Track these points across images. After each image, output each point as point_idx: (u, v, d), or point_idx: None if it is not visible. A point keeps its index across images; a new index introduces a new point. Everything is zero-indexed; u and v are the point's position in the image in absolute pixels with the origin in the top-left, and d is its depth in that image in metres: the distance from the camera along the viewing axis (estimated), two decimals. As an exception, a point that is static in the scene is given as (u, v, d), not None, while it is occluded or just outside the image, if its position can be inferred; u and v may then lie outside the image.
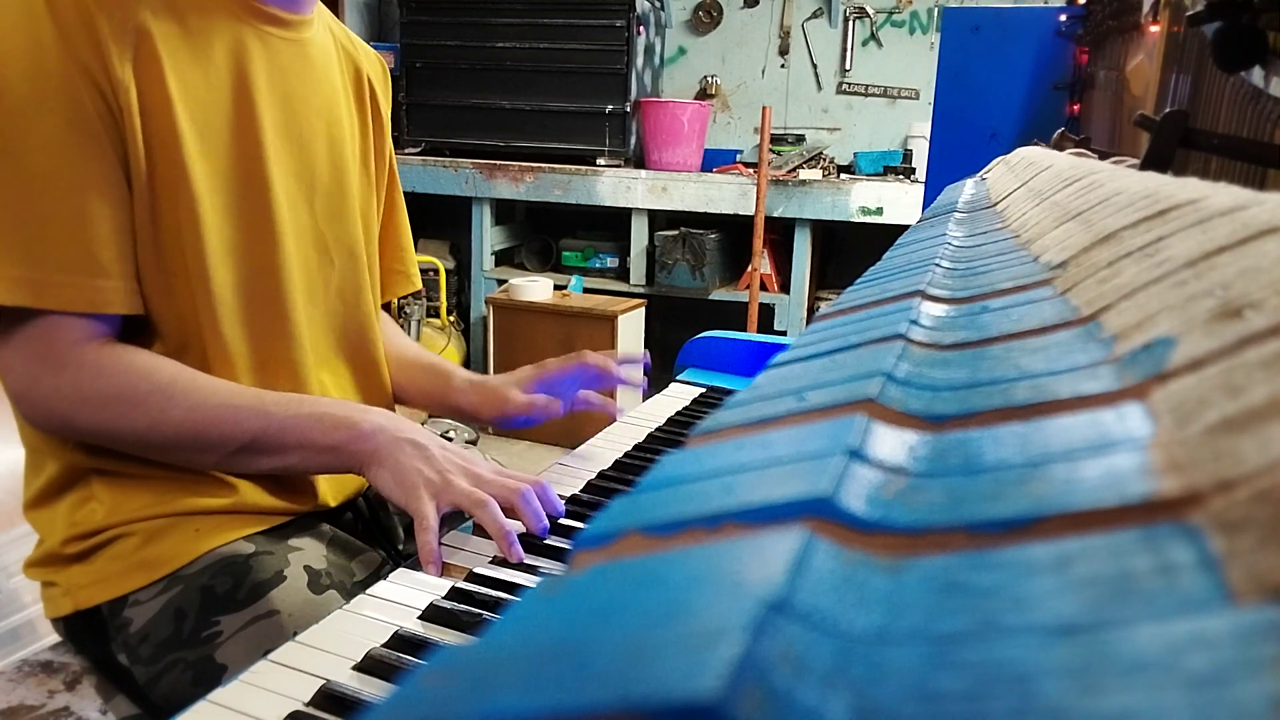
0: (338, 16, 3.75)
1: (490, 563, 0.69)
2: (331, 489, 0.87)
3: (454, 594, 0.63)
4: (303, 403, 0.77)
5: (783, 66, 3.52)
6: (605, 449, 0.97)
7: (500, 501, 0.71)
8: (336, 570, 0.79)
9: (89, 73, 0.71)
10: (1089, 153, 0.93)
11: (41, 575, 0.82)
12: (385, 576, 0.67)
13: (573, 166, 3.15)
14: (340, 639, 0.57)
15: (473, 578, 0.66)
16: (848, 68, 3.45)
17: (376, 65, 1.01)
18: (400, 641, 0.57)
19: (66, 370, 0.72)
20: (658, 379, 1.11)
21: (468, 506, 0.71)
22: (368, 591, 0.64)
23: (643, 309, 3.09)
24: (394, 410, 0.92)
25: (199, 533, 0.78)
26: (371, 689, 0.52)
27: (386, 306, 1.07)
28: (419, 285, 1.10)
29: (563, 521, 0.76)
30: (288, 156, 0.84)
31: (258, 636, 0.71)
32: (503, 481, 0.73)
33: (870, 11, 3.40)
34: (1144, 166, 0.68)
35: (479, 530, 0.73)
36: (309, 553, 0.79)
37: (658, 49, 3.48)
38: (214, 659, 0.72)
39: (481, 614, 0.60)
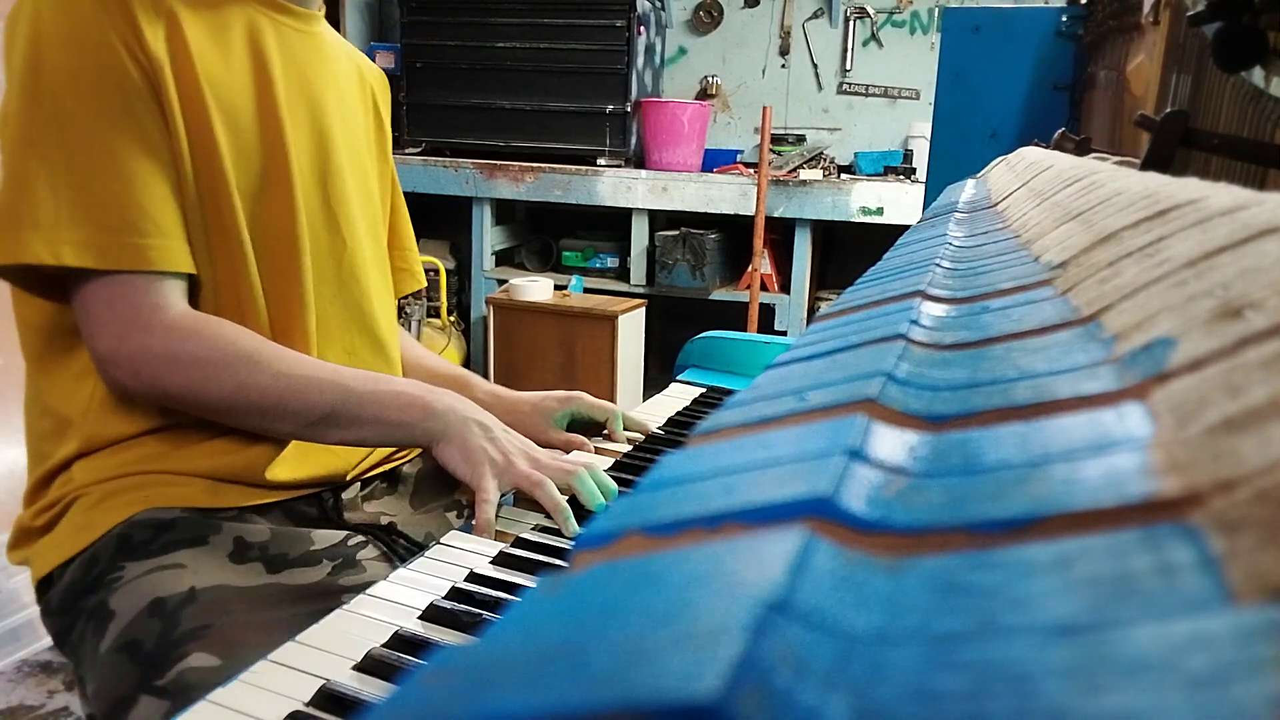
0: (338, 16, 3.71)
1: (491, 563, 0.69)
2: (288, 469, 0.86)
3: (454, 594, 0.63)
4: (379, 380, 0.81)
5: (783, 66, 3.52)
6: (605, 449, 0.97)
7: (557, 483, 0.76)
8: (275, 544, 0.78)
9: (128, 46, 0.75)
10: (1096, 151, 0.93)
11: (17, 556, 0.83)
12: (354, 551, 0.66)
13: (573, 166, 3.15)
14: (340, 639, 0.57)
15: (473, 578, 0.66)
16: (848, 68, 3.45)
17: (378, 75, 1.06)
18: (400, 641, 0.57)
19: (155, 332, 0.75)
20: (658, 379, 1.11)
21: (527, 487, 0.77)
22: (368, 591, 0.64)
23: (643, 309, 3.09)
24: None
25: (147, 498, 0.78)
26: (371, 689, 0.52)
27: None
28: (424, 282, 1.12)
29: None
30: (303, 138, 0.88)
31: (152, 584, 0.71)
32: (559, 465, 0.79)
33: (871, 11, 3.39)
34: (1144, 166, 0.68)
35: (529, 503, 0.79)
36: (250, 528, 0.78)
37: (658, 49, 3.48)
38: (107, 603, 0.71)
39: (481, 614, 0.60)
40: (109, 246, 0.74)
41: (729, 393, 1.17)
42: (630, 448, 0.98)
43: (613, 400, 1.08)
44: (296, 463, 0.86)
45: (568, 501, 0.76)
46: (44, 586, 0.80)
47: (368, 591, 0.64)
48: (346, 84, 0.96)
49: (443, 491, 1.00)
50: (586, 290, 3.21)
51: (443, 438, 0.79)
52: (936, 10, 3.32)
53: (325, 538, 0.81)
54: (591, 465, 0.80)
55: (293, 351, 0.81)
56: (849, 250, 3.44)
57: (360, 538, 0.83)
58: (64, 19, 0.74)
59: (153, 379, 0.76)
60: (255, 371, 0.76)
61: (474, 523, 0.75)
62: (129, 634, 0.68)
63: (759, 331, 2.91)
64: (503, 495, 0.78)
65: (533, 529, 0.75)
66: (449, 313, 3.37)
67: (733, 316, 3.05)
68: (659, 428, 1.04)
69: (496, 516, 0.76)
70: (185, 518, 0.77)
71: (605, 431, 1.01)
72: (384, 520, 0.94)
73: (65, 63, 0.73)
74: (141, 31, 0.75)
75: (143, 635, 0.67)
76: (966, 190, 1.04)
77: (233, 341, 0.77)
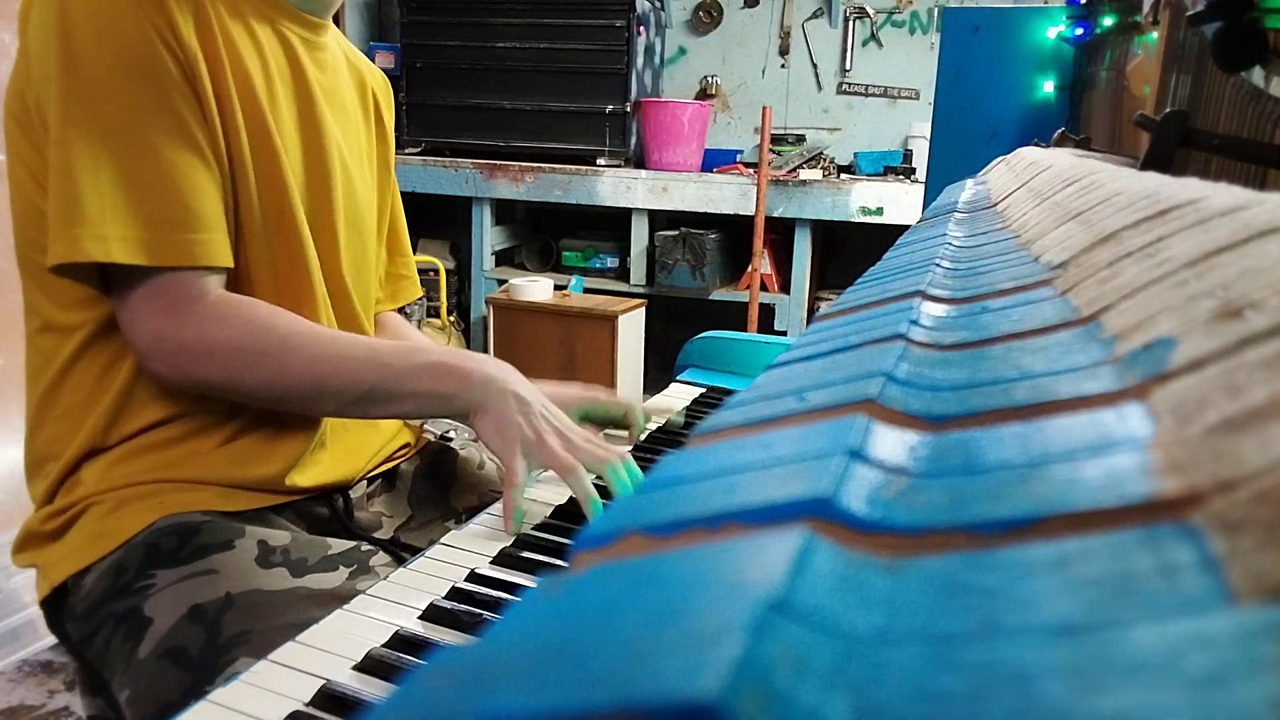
0: (338, 16, 3.73)
1: (491, 563, 0.69)
2: (305, 478, 0.86)
3: (454, 594, 0.63)
4: (415, 352, 0.80)
5: (783, 66, 3.52)
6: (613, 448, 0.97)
7: (588, 466, 0.75)
8: (296, 548, 0.78)
9: (163, 37, 0.74)
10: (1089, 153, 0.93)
11: (25, 560, 0.83)
12: (367, 557, 0.66)
13: (573, 166, 3.15)
14: (340, 639, 0.57)
15: (473, 578, 0.66)
16: (848, 68, 3.46)
17: (381, 80, 1.05)
18: (400, 641, 0.57)
19: (190, 324, 0.75)
20: (658, 379, 1.11)
21: (559, 469, 0.75)
22: (368, 592, 0.64)
23: (643, 309, 3.09)
24: None
25: (163, 504, 0.78)
26: (371, 689, 0.52)
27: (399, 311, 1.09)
28: (419, 291, 1.12)
29: (563, 521, 0.77)
30: (302, 145, 0.87)
31: (189, 591, 0.71)
32: (593, 450, 0.77)
33: (870, 11, 3.40)
34: (1144, 166, 0.68)
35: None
36: (271, 532, 0.78)
37: (658, 49, 3.48)
38: (141, 610, 0.71)
39: (481, 614, 0.60)
40: (156, 243, 0.74)
41: (729, 393, 1.17)
42: (630, 446, 0.98)
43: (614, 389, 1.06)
44: (312, 471, 0.86)
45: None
46: (59, 593, 0.79)
47: (368, 592, 0.64)
48: (349, 96, 0.96)
49: (438, 489, 1.01)
50: (586, 290, 3.21)
51: (480, 408, 0.78)
52: (936, 10, 3.32)
53: (339, 544, 0.82)
54: (625, 456, 0.78)
55: (328, 330, 0.81)
56: (849, 250, 3.44)
57: (370, 546, 0.84)
58: (96, 11, 0.73)
59: (191, 370, 0.76)
60: (291, 357, 0.76)
61: (503, 507, 0.75)
62: (171, 640, 0.68)
63: (759, 331, 2.92)
64: (532, 473, 0.77)
65: (533, 528, 0.75)
66: (449, 313, 3.37)
67: (733, 316, 3.05)
68: (659, 428, 1.04)
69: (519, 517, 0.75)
70: (209, 523, 0.77)
71: (626, 432, 0.99)
72: (385, 525, 0.94)
73: (102, 57, 0.73)
74: (175, 21, 0.75)
75: (186, 642, 0.67)
76: (966, 190, 1.04)
77: (266, 328, 0.77)
